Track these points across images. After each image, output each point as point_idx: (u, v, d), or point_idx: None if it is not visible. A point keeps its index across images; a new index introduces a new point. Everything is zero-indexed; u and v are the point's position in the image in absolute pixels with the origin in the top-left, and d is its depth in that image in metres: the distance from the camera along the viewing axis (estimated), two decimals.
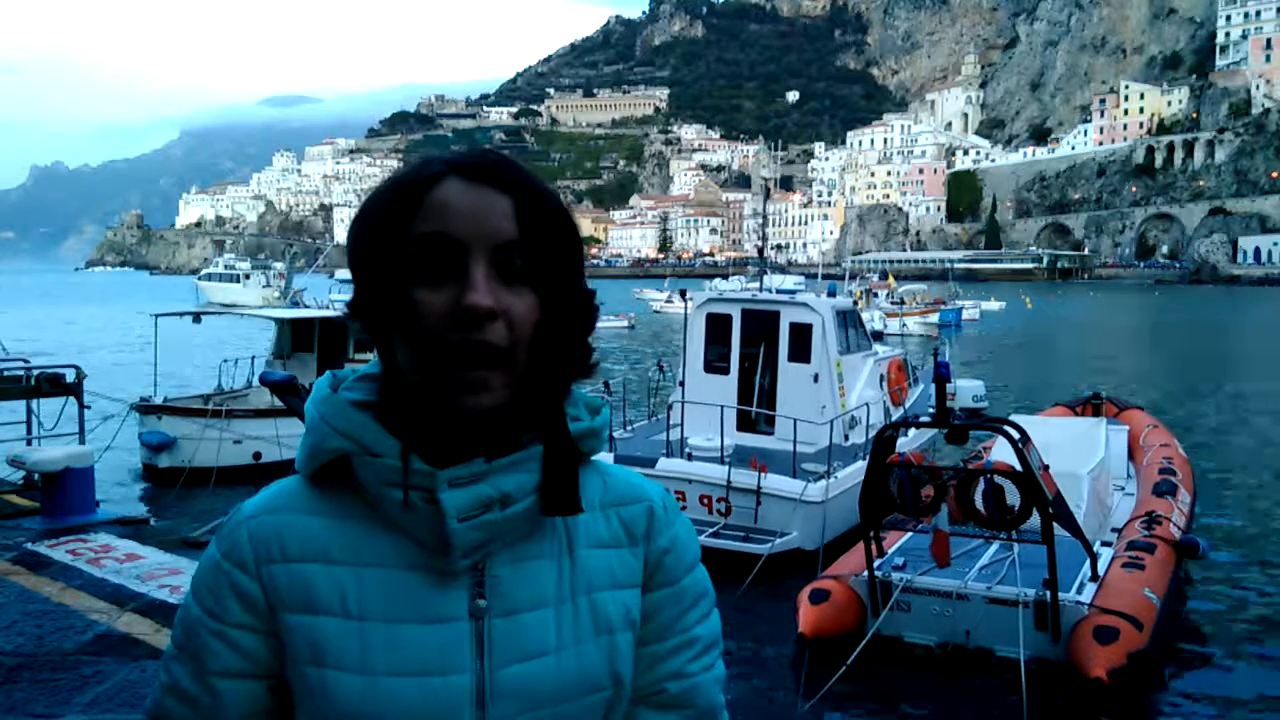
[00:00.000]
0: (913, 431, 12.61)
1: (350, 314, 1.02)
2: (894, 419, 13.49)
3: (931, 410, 8.36)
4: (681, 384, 13.16)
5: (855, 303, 16.79)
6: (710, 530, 10.30)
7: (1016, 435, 7.18)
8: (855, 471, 11.06)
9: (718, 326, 13.18)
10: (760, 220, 20.76)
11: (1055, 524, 7.23)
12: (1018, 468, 7.18)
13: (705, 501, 10.69)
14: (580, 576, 1.05)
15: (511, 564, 1.02)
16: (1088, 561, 8.07)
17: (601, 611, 1.05)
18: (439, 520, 0.97)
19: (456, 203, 0.96)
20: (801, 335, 12.70)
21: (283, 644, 1.00)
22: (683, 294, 13.95)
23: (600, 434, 1.09)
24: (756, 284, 16.05)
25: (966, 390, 16.76)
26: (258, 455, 14.78)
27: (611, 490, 1.12)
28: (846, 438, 12.15)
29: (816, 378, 12.54)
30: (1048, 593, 7.42)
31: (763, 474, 10.44)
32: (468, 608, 1.00)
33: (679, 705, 1.11)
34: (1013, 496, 7.28)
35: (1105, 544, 8.91)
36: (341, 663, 0.97)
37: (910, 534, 8.67)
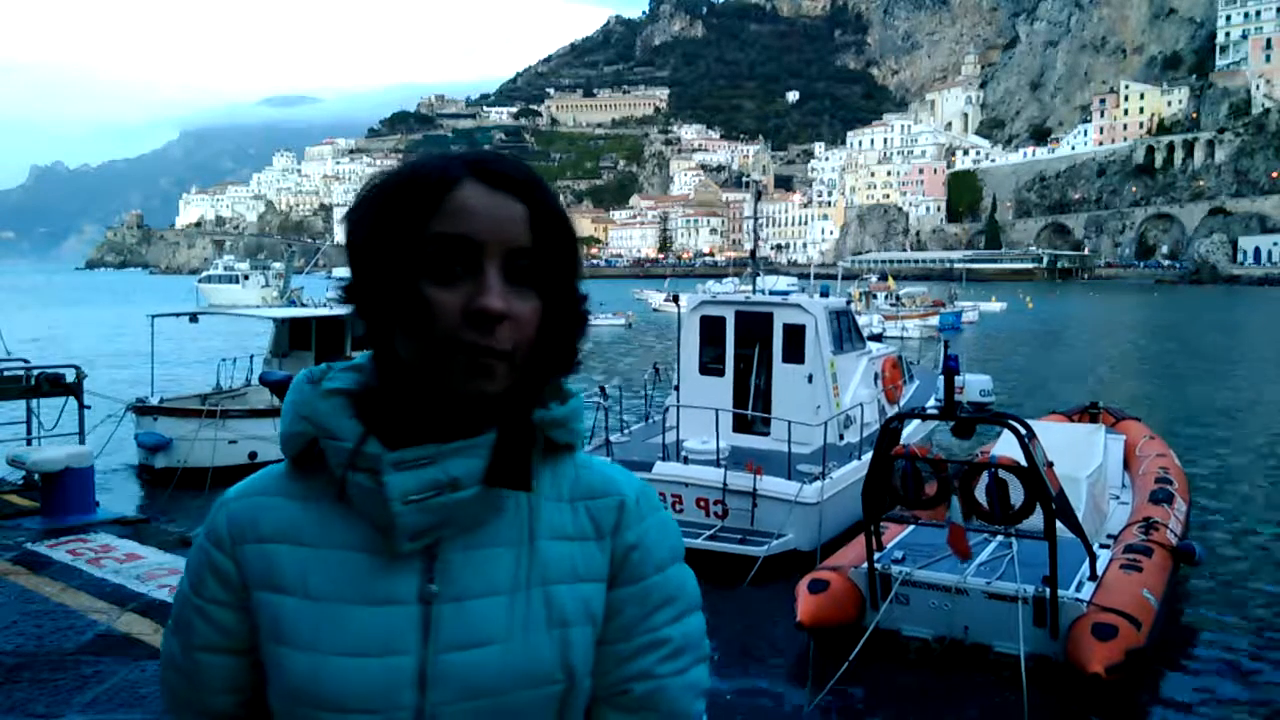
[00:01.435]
0: (915, 423, 12.63)
1: (346, 299, 1.04)
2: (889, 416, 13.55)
3: (939, 402, 8.36)
4: (676, 387, 13.21)
5: (849, 302, 16.81)
6: (707, 533, 10.34)
7: (1023, 431, 7.19)
8: (850, 471, 11.11)
9: (712, 329, 13.23)
10: (754, 222, 20.73)
11: (1057, 521, 7.24)
12: (1023, 463, 7.18)
13: (702, 504, 10.72)
14: (537, 567, 1.05)
15: (464, 550, 1.03)
16: (1086, 561, 8.09)
17: (556, 603, 1.04)
18: (385, 501, 0.99)
19: (476, 207, 0.98)
20: (795, 336, 12.75)
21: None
22: (675, 298, 13.98)
23: (566, 423, 1.09)
24: (750, 286, 16.10)
25: (974, 384, 16.74)
26: (253, 455, 14.82)
27: (583, 483, 1.11)
28: (841, 437, 12.23)
29: (811, 378, 12.59)
30: (1047, 589, 7.42)
31: (758, 476, 10.47)
32: (417, 592, 1.01)
33: (644, 708, 1.09)
34: (1016, 492, 7.29)
35: (1103, 547, 8.94)
36: (295, 640, 1.00)
37: (911, 528, 8.69)
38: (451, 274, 0.97)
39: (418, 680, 0.99)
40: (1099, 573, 8.08)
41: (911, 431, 13.00)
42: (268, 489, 1.08)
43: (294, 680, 1.00)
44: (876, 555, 8.10)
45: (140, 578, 6.68)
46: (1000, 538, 8.16)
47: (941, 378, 8.02)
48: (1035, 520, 7.32)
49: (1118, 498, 11.13)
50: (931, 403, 14.60)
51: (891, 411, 14.13)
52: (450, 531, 1.02)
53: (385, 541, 1.01)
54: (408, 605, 1.00)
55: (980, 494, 7.47)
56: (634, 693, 1.08)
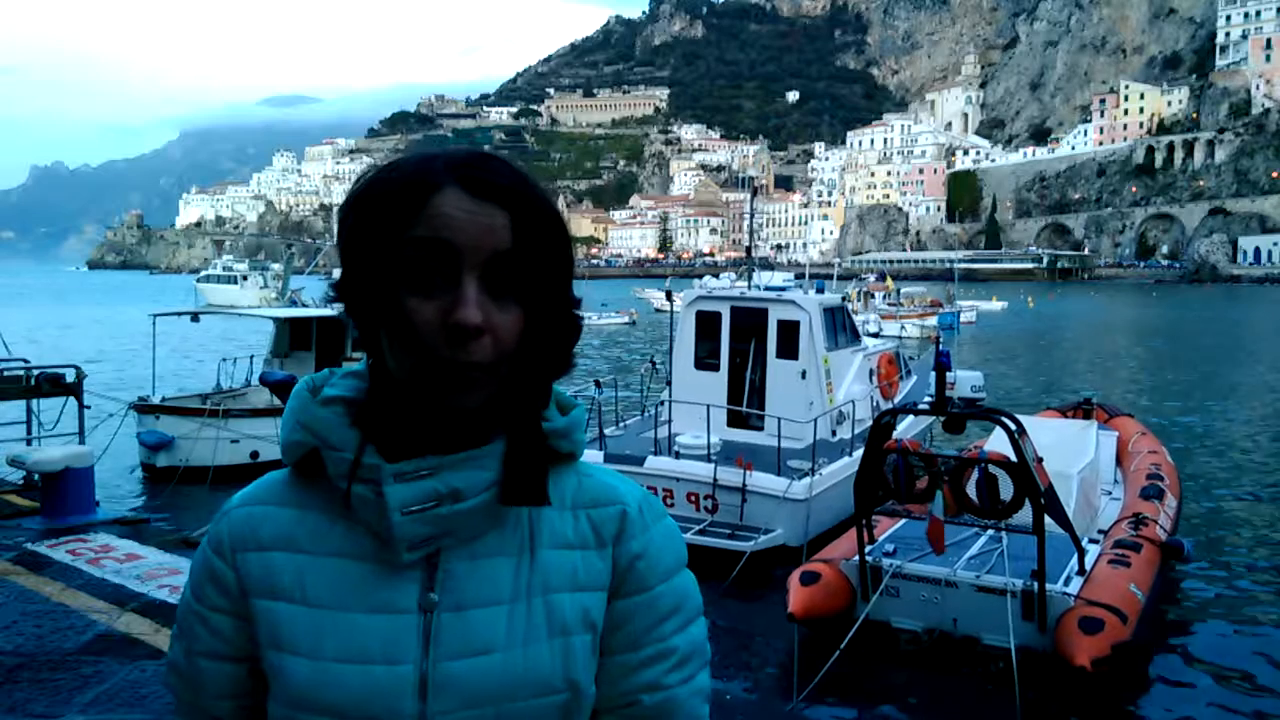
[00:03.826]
0: (910, 418, 12.68)
1: (336, 296, 1.04)
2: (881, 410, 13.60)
3: (930, 398, 8.41)
4: (668, 382, 13.25)
5: (845, 300, 16.88)
6: (697, 528, 10.41)
7: (1013, 426, 7.24)
8: (840, 468, 11.19)
9: (707, 324, 13.31)
10: (750, 218, 20.83)
11: (1046, 516, 7.29)
12: (1012, 459, 7.23)
13: (692, 499, 10.80)
14: (538, 576, 1.04)
15: (467, 560, 1.03)
16: (1075, 555, 8.14)
17: (557, 612, 1.04)
18: (384, 512, 0.99)
19: (455, 215, 0.95)
20: (789, 332, 12.83)
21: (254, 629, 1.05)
22: (669, 295, 14.04)
23: (570, 434, 1.08)
24: (745, 282, 16.16)
25: (965, 380, 16.81)
26: (255, 454, 14.83)
27: (586, 491, 1.10)
28: (834, 433, 12.29)
29: (804, 374, 12.66)
30: (1035, 583, 7.48)
31: (748, 472, 10.53)
32: (418, 600, 1.01)
33: (654, 719, 1.08)
34: (1006, 487, 7.34)
35: (1092, 542, 9.00)
36: (295, 647, 1.01)
37: (902, 521, 8.73)
38: (430, 284, 0.95)
39: (418, 688, 0.99)
40: (1087, 567, 8.14)
41: (907, 427, 13.05)
42: (269, 497, 1.08)
43: (294, 686, 1.00)
44: (868, 548, 8.15)
45: (140, 578, 6.71)
46: (991, 531, 8.20)
47: (934, 373, 8.09)
48: (1025, 514, 7.37)
49: (1109, 493, 11.19)
50: (924, 398, 14.66)
51: (887, 407, 14.18)
52: (450, 541, 1.02)
53: (387, 550, 1.01)
54: (408, 614, 1.00)
55: (971, 489, 7.52)
56: (644, 704, 1.08)
